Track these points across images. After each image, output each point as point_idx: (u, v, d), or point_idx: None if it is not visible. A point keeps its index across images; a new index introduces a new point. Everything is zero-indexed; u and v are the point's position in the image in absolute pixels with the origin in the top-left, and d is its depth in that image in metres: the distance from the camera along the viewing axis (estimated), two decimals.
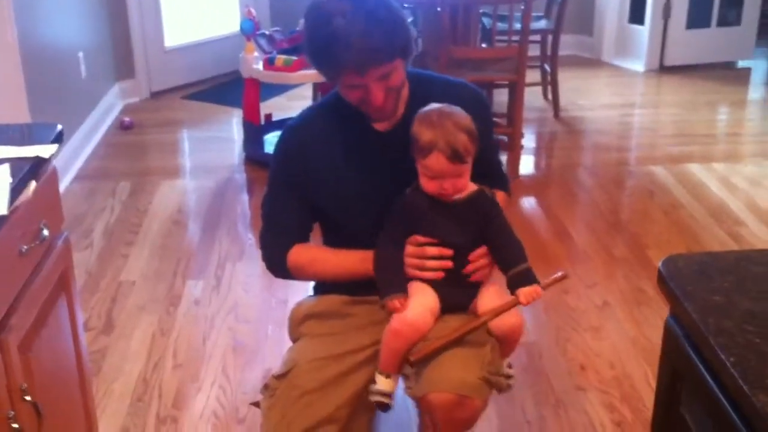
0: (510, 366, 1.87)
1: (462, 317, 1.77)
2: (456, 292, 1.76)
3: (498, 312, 1.72)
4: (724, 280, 1.16)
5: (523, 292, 1.70)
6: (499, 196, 1.93)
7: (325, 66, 1.69)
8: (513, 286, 1.72)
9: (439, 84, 1.89)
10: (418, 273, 1.73)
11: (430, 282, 1.74)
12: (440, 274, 1.73)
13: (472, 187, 1.75)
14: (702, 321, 1.07)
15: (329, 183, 1.82)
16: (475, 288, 1.79)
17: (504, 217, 1.77)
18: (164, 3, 5.45)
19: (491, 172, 1.94)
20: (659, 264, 1.21)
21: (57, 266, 1.74)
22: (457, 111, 1.69)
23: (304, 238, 1.91)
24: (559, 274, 1.77)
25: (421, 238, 1.73)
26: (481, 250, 1.75)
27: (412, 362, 1.72)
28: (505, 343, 1.81)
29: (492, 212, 1.75)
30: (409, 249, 1.74)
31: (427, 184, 1.70)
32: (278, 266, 1.92)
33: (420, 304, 1.73)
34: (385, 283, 1.73)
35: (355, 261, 1.82)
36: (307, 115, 1.89)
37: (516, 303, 1.71)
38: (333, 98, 1.86)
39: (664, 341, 1.20)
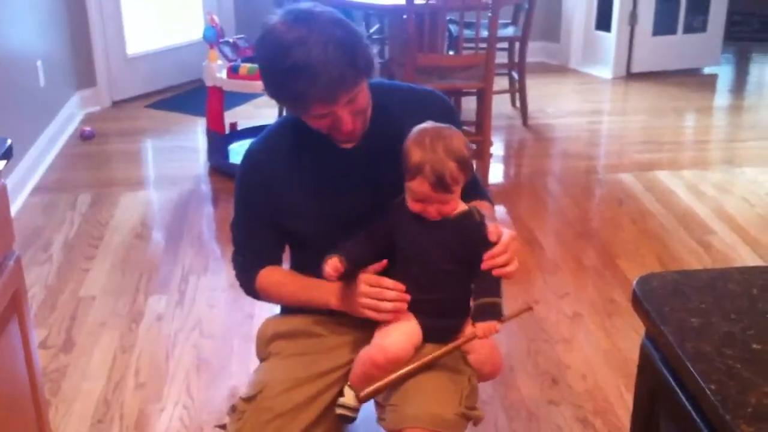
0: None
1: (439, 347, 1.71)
2: (440, 324, 1.69)
3: (455, 347, 1.65)
4: (701, 301, 1.12)
5: (481, 326, 1.62)
6: (484, 206, 1.87)
7: (290, 100, 1.60)
8: (476, 316, 1.64)
9: (403, 92, 1.84)
10: (372, 314, 1.66)
11: (414, 314, 1.67)
12: (397, 317, 1.65)
13: (461, 207, 1.67)
14: (679, 345, 1.02)
15: (294, 205, 1.76)
16: (460, 318, 1.72)
17: (489, 243, 1.66)
18: (126, 9, 5.35)
19: (469, 183, 1.90)
20: (633, 283, 1.17)
21: (7, 288, 1.67)
22: (455, 134, 1.61)
23: (274, 261, 1.86)
24: (524, 306, 1.72)
25: (385, 281, 1.65)
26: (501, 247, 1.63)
27: (360, 398, 1.65)
28: (483, 376, 1.77)
29: (477, 238, 1.65)
30: (365, 289, 1.65)
31: (411, 204, 1.63)
32: (249, 289, 1.89)
33: (402, 335, 1.66)
34: (341, 250, 1.65)
35: (315, 292, 1.77)
36: (268, 137, 1.82)
37: (473, 337, 1.64)
38: (292, 119, 1.80)
39: (640, 364, 1.16)
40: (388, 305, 1.64)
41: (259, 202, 1.79)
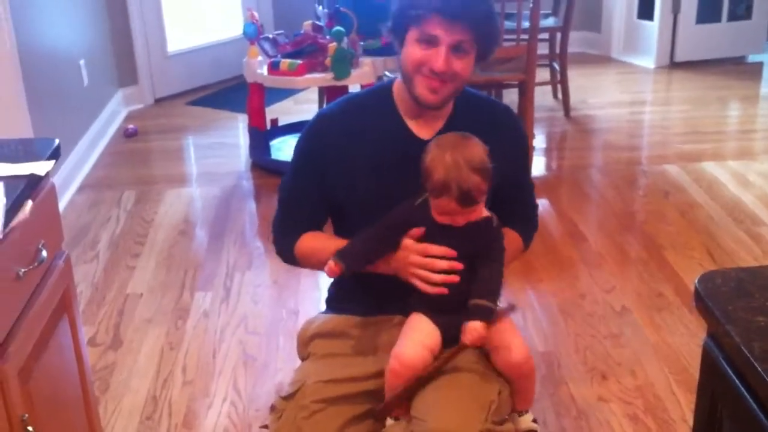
0: (535, 420, 1.78)
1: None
2: (455, 320, 1.66)
3: (452, 355, 1.63)
4: (767, 299, 1.08)
5: (467, 327, 1.59)
6: (515, 241, 1.84)
7: (411, 5, 1.63)
8: (465, 317, 1.61)
9: (483, 103, 1.84)
10: (421, 285, 1.64)
11: (431, 314, 1.66)
12: (444, 290, 1.63)
13: (482, 213, 1.65)
14: (746, 345, 0.99)
15: (353, 178, 1.75)
16: None
17: (499, 254, 1.66)
18: (166, 7, 5.38)
19: (519, 213, 1.86)
20: (695, 281, 1.14)
21: (57, 287, 1.68)
22: (473, 144, 1.59)
23: (316, 228, 1.85)
24: (508, 306, 1.68)
25: (432, 248, 1.63)
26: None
27: (377, 415, 1.65)
28: (517, 383, 1.72)
29: (490, 244, 1.65)
30: (417, 259, 1.64)
31: (438, 217, 1.62)
32: (286, 253, 1.87)
33: (416, 340, 1.65)
34: (343, 250, 1.67)
35: None
36: (342, 105, 1.81)
37: (464, 345, 1.61)
38: (373, 93, 1.81)
39: (703, 365, 1.13)
40: (438, 277, 1.62)
41: (317, 163, 1.77)
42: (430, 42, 1.63)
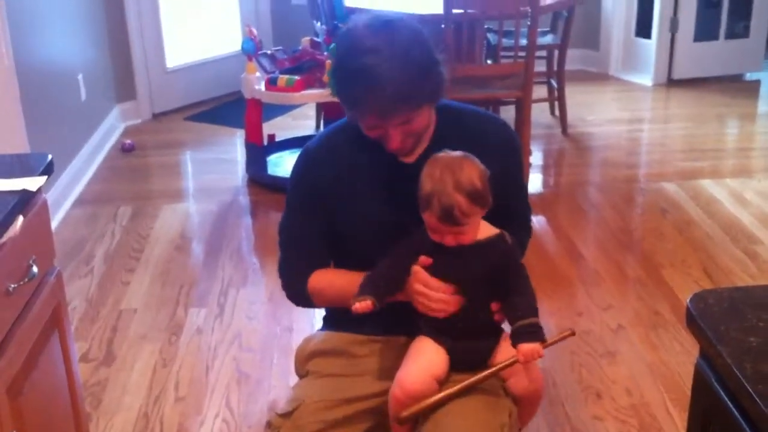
0: None
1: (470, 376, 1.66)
2: (466, 346, 1.65)
3: (494, 372, 1.61)
4: (759, 319, 1.08)
5: (523, 349, 1.56)
6: None
7: (348, 102, 1.61)
8: (515, 339, 1.59)
9: (467, 117, 1.79)
10: (425, 311, 1.63)
11: (439, 338, 1.64)
12: (443, 314, 1.62)
13: (489, 231, 1.63)
14: (737, 365, 0.98)
15: (349, 208, 1.73)
16: (489, 341, 1.68)
17: (520, 266, 1.63)
18: (165, 23, 5.39)
19: (512, 222, 1.81)
20: (687, 301, 1.13)
21: (48, 303, 1.67)
22: (468, 165, 1.55)
23: (323, 263, 1.81)
24: (567, 332, 1.66)
25: (431, 281, 1.61)
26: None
27: (400, 419, 1.62)
28: (525, 406, 1.71)
29: (505, 261, 1.62)
30: (418, 287, 1.62)
31: (429, 233, 1.61)
32: (299, 295, 1.83)
33: (421, 367, 1.63)
34: (364, 286, 1.63)
35: None
36: (328, 137, 1.80)
37: (514, 361, 1.59)
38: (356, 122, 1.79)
39: (694, 385, 1.12)
40: (436, 306, 1.61)
41: (313, 196, 1.75)
42: (377, 127, 1.61)
